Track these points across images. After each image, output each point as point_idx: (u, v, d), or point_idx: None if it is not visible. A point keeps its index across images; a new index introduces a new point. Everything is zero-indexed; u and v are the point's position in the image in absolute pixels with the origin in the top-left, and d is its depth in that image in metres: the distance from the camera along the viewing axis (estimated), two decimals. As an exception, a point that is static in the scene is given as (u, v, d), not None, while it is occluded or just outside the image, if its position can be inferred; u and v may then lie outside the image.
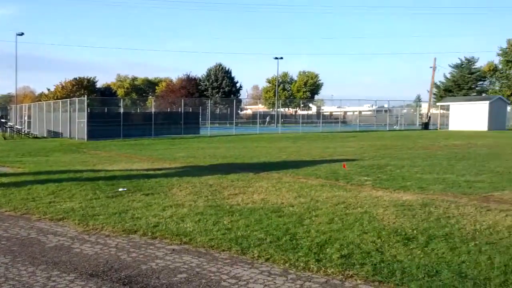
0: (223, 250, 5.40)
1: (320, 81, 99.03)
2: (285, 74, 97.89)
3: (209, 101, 53.95)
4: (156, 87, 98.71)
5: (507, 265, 4.70)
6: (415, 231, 6.02)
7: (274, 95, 78.00)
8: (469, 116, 46.38)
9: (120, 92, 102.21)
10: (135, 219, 6.90)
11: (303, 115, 73.53)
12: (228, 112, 68.11)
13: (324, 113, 79.48)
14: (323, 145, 23.83)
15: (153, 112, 40.03)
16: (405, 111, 63.47)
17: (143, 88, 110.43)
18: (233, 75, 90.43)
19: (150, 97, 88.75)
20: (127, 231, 6.32)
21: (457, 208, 7.48)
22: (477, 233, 5.98)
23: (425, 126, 52.73)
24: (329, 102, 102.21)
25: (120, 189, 9.36)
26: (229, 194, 8.85)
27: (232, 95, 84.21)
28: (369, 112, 76.82)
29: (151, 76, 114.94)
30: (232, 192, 9.07)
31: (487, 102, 46.93)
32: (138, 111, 58.59)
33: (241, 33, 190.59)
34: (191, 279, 4.51)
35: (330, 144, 24.96)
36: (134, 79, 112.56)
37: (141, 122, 36.47)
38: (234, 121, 47.31)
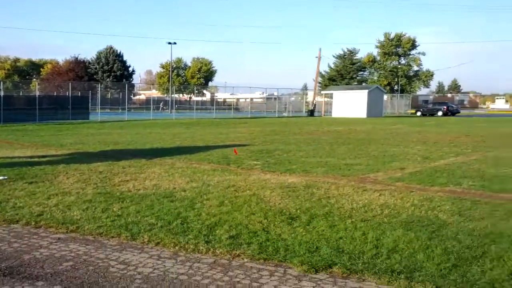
0: (112, 237, 5.28)
1: (214, 68, 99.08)
2: (179, 60, 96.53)
3: (99, 85, 51.54)
4: (41, 70, 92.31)
5: (379, 239, 5.13)
6: (298, 211, 6.34)
7: (168, 81, 76.78)
8: (350, 104, 49.28)
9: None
10: (17, 209, 6.48)
11: (197, 101, 73.21)
12: (120, 97, 65.85)
13: (218, 100, 79.80)
14: (216, 131, 24.00)
15: (37, 96, 37.50)
16: (293, 98, 65.82)
17: (27, 70, 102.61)
18: (125, 58, 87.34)
19: (34, 80, 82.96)
20: (8, 221, 5.92)
21: (337, 189, 7.98)
22: (353, 211, 6.42)
23: (311, 113, 55.14)
24: (223, 89, 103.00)
25: (0, 178, 8.70)
26: (120, 181, 8.62)
27: (124, 80, 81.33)
28: (260, 100, 78.58)
29: (35, 58, 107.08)
30: (123, 179, 8.84)
31: (366, 91, 50.14)
32: (21, 94, 54.40)
33: (134, 17, 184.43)
34: (77, 266, 4.36)
35: (223, 130, 25.20)
36: (16, 60, 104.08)
37: (25, 107, 33.97)
38: (126, 107, 45.79)
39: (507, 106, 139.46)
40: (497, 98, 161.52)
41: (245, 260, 4.54)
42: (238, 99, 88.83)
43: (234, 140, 17.87)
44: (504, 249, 4.77)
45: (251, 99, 70.92)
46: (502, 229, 5.50)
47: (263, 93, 76.84)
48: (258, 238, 5.12)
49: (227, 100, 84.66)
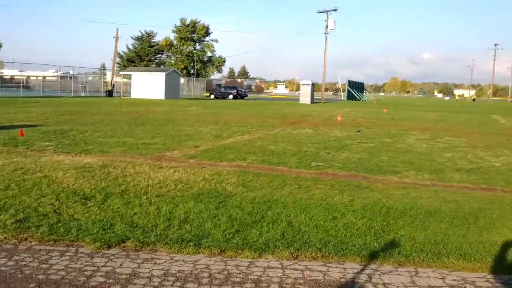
0: None
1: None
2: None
3: None
4: None
5: (171, 212, 5.31)
6: (93, 191, 6.14)
7: None
8: (149, 85, 48.82)
9: None
10: None
11: (-23, 78, 63.85)
12: None
13: (4, 77, 70.96)
14: (1, 111, 21.40)
15: None
16: (90, 78, 62.19)
17: None
18: None
19: None
20: None
21: (133, 167, 7.93)
22: (149, 188, 6.49)
23: (109, 93, 53.03)
24: (11, 65, 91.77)
25: None
26: None
27: None
28: (54, 78, 72.37)
29: None
30: None
31: (164, 73, 50.21)
32: None
33: None
34: None
35: (10, 109, 22.60)
36: None
37: None
38: None
39: (286, 91, 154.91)
40: (279, 84, 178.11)
41: (33, 242, 4.26)
42: (28, 76, 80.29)
43: (24, 120, 16.22)
44: (278, 213, 5.39)
45: (44, 77, 64.79)
46: (276, 197, 6.18)
47: (57, 71, 70.88)
48: (49, 220, 4.83)
49: (15, 77, 75.83)
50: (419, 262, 4.03)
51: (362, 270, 3.87)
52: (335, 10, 52.61)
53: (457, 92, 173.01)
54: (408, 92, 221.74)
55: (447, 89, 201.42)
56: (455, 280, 3.67)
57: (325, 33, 52.62)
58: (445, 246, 4.42)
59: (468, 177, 8.04)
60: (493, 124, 21.74)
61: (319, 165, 8.78)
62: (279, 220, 5.15)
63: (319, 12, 53.33)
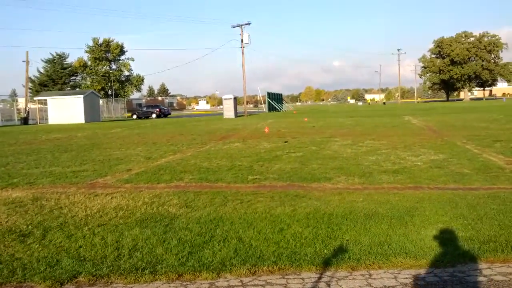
0: None
1: None
2: None
3: None
4: None
5: (118, 241, 5.12)
6: (30, 226, 5.79)
7: None
8: (67, 110, 46.79)
9: None
10: None
11: None
12: None
13: None
14: None
15: None
16: (1, 106, 58.46)
17: None
18: None
19: None
20: None
21: (67, 197, 7.57)
22: (89, 218, 6.22)
23: (25, 121, 50.18)
24: None
25: None
26: None
27: None
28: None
29: None
30: None
31: (82, 96, 48.37)
32: None
33: None
34: None
35: None
36: None
37: None
38: None
39: (208, 107, 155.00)
40: (200, 100, 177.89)
41: (-23, 290, 3.94)
42: None
43: None
44: (227, 231, 5.39)
45: None
46: (222, 214, 6.17)
47: (-38, 101, 65.90)
48: (-12, 264, 4.48)
49: None
50: (370, 265, 4.20)
51: (319, 278, 3.97)
52: (249, 24, 53.53)
53: (368, 96, 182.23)
54: (323, 100, 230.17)
55: (358, 95, 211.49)
56: (406, 278, 3.87)
57: (241, 47, 53.37)
58: (390, 246, 4.64)
59: (395, 177, 8.49)
60: (406, 125, 23.12)
61: (256, 178, 8.88)
62: (229, 237, 5.15)
63: (233, 27, 54.01)
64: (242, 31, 53.26)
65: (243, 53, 53.38)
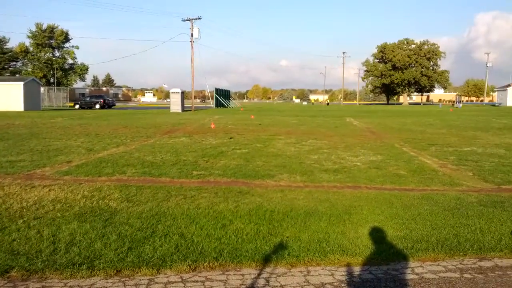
0: None
1: None
2: None
3: None
4: None
5: (55, 235, 4.93)
6: (-41, 219, 5.45)
7: None
8: (5, 96, 44.38)
9: None
10: None
11: None
12: None
13: None
14: None
15: None
16: None
17: None
18: None
19: None
20: None
21: (1, 188, 7.21)
22: (24, 210, 5.95)
23: (-43, 106, 47.15)
24: None
25: None
26: None
27: None
28: None
29: None
30: None
31: (22, 83, 46.05)
32: None
33: None
34: None
35: None
36: None
37: None
38: None
39: (155, 100, 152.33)
40: (146, 92, 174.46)
41: None
42: None
43: None
44: (168, 226, 5.31)
45: None
46: (164, 209, 6.08)
47: None
48: None
49: None
50: (309, 262, 4.28)
51: (259, 275, 4.00)
52: (199, 18, 52.96)
53: (312, 97, 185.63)
54: (269, 98, 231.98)
55: (303, 95, 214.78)
56: (343, 275, 3.98)
57: (190, 41, 52.76)
58: (328, 244, 4.75)
59: (335, 176, 8.70)
60: (348, 126, 23.73)
61: (201, 174, 8.82)
62: (170, 233, 5.08)
63: (184, 20, 53.29)
64: (192, 25, 52.66)
65: (192, 47, 52.82)
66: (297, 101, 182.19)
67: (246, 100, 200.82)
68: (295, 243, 4.78)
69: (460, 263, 4.33)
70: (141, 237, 4.92)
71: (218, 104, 68.89)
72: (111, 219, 5.59)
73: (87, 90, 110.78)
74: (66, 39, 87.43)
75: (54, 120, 27.63)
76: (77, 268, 4.04)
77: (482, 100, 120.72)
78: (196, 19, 52.91)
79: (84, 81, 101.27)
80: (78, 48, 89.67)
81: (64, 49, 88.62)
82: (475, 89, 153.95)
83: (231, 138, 16.12)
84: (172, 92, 48.94)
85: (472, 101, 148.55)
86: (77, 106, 58.71)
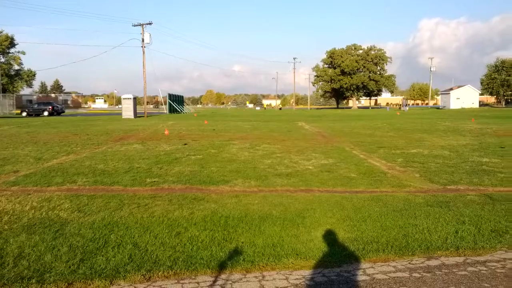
0: None
1: None
2: None
3: None
4: None
5: (2, 248, 4.74)
6: None
7: None
8: None
9: None
10: None
11: None
12: None
13: None
14: None
15: None
16: None
17: None
18: None
19: None
20: None
21: None
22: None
23: None
24: None
25: None
26: None
27: None
28: None
29: None
30: None
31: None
32: None
33: None
34: None
35: None
36: None
37: None
38: None
39: (106, 106, 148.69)
40: (97, 98, 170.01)
41: None
42: None
43: None
44: (121, 236, 5.20)
45: None
46: (117, 219, 5.94)
47: None
48: None
49: None
50: (263, 266, 4.30)
51: (214, 282, 3.98)
52: (150, 24, 52.10)
53: (265, 102, 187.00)
54: (223, 103, 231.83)
55: (257, 100, 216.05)
56: (297, 279, 4.02)
57: (142, 47, 51.90)
58: (282, 248, 4.79)
59: (288, 180, 8.79)
60: (300, 130, 24.05)
61: (154, 181, 8.68)
62: (123, 243, 4.97)
63: (134, 26, 52.34)
64: (143, 30, 51.83)
65: (143, 52, 51.97)
66: (251, 106, 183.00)
67: (200, 106, 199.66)
68: (250, 248, 4.79)
69: (409, 263, 4.48)
70: (93, 248, 4.78)
71: (172, 109, 68.08)
72: (62, 230, 5.41)
73: (35, 97, 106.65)
74: (12, 44, 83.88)
75: (0, 128, 26.42)
76: (27, 282, 3.88)
77: (427, 103, 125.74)
78: (147, 24, 52.09)
79: (31, 87, 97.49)
80: (24, 54, 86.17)
81: (10, 54, 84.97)
82: (420, 92, 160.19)
83: (185, 144, 15.97)
84: (124, 98, 47.94)
85: (418, 104, 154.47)
86: (24, 114, 56.41)
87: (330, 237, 5.18)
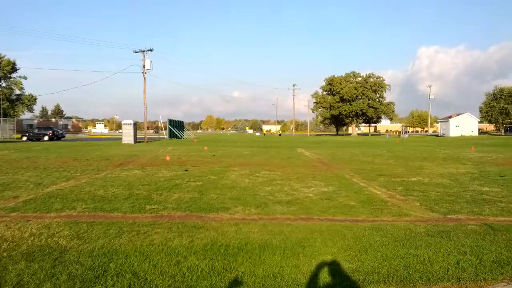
0: None
1: None
2: None
3: None
4: None
5: (1, 277, 4.69)
6: None
7: None
8: None
9: None
10: None
11: None
12: None
13: None
14: None
15: None
16: None
17: None
18: None
19: None
20: None
21: None
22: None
23: None
24: None
25: None
26: None
27: None
28: None
29: None
30: None
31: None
32: None
33: None
34: None
35: None
36: None
37: None
38: None
39: (106, 131, 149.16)
40: (98, 123, 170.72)
41: None
42: None
43: None
44: (121, 264, 5.16)
45: None
46: (116, 246, 5.91)
47: None
48: None
49: None
50: (264, 298, 4.27)
51: (214, 313, 3.94)
52: (151, 50, 52.75)
53: (265, 127, 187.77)
54: (223, 128, 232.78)
55: (256, 125, 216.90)
56: (297, 310, 3.98)
57: (142, 73, 52.40)
58: (283, 279, 4.76)
59: (288, 208, 8.77)
60: (300, 157, 24.07)
61: (154, 208, 8.66)
62: (123, 271, 4.94)
63: (135, 52, 52.95)
64: (144, 56, 52.42)
65: (144, 78, 52.43)
66: (250, 131, 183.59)
67: (200, 131, 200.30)
68: (250, 278, 4.76)
69: (410, 294, 4.44)
70: (92, 277, 4.75)
71: (172, 135, 68.26)
72: (61, 258, 5.38)
73: (36, 121, 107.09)
74: (14, 69, 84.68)
75: (0, 153, 26.45)
76: (24, 313, 3.84)
77: (426, 131, 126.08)
78: (148, 50, 52.72)
79: (32, 112, 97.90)
80: (26, 79, 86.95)
81: (11, 79, 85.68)
82: (420, 120, 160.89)
83: (186, 170, 15.97)
84: (124, 123, 48.11)
85: (417, 131, 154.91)
86: (24, 138, 56.54)
87: (331, 267, 5.14)
